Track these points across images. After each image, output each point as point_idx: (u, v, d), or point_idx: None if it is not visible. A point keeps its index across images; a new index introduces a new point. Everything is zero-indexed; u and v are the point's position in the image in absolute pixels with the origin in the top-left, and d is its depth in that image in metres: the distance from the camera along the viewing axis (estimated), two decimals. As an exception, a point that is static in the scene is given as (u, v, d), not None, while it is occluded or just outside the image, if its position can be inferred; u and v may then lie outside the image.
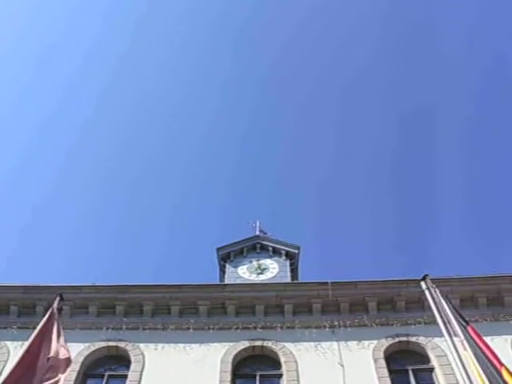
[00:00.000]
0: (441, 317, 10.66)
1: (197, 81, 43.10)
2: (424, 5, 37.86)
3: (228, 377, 14.30)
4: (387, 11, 39.24)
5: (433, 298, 11.08)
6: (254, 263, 20.24)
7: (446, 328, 10.43)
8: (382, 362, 14.43)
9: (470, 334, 10.17)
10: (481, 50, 38.68)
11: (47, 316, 11.61)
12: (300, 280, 20.30)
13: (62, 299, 12.62)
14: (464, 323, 10.56)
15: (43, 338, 10.89)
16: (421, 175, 37.86)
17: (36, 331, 11.01)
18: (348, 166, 40.41)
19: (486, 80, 38.94)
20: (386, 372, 14.17)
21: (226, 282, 19.26)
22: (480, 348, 9.87)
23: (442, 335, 10.70)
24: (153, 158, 41.85)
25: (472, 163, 38.69)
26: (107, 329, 15.52)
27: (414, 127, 38.54)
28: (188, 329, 15.52)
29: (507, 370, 9.29)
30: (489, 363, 9.49)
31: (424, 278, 11.62)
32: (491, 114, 38.34)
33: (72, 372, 14.30)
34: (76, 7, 40.33)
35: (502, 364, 9.51)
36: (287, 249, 20.79)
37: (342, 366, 14.37)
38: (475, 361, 9.43)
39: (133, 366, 14.67)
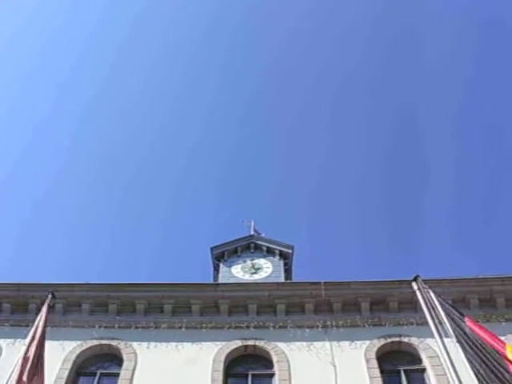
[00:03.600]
0: (432, 317, 10.71)
1: (191, 79, 43.05)
2: (413, 10, 38.05)
3: (220, 376, 14.31)
4: (377, 16, 39.44)
5: (424, 299, 11.13)
6: (248, 263, 20.25)
7: (437, 329, 10.49)
8: (374, 363, 14.45)
9: (467, 325, 10.25)
10: (467, 52, 38.89)
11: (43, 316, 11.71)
12: (294, 280, 20.32)
13: (54, 297, 12.70)
14: (460, 316, 10.62)
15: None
16: (412, 176, 38.01)
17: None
18: (341, 166, 40.45)
19: (472, 82, 39.11)
20: (377, 372, 14.18)
21: (220, 281, 19.26)
22: (480, 336, 9.95)
23: (433, 336, 10.73)
24: (146, 156, 41.85)
25: (461, 164, 38.85)
26: (100, 327, 15.52)
27: (405, 128, 38.66)
28: (180, 327, 15.53)
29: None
30: (491, 350, 9.58)
31: (415, 279, 11.67)
32: (479, 116, 38.49)
33: (64, 370, 14.38)
34: (71, 5, 40.39)
35: (504, 343, 9.64)
36: (281, 248, 20.80)
37: (334, 366, 14.38)
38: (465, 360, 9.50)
39: (125, 365, 14.67)
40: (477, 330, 10.18)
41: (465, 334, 10.15)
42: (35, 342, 10.98)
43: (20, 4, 39.31)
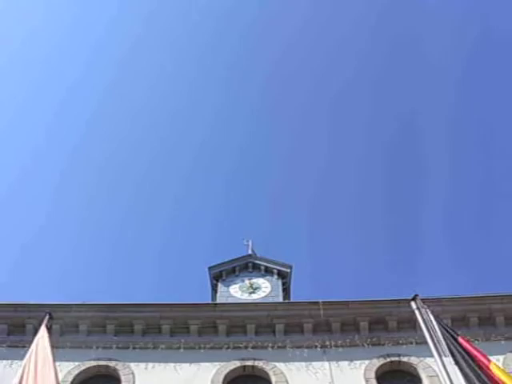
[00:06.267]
0: (431, 337, 10.66)
1: (192, 93, 43.14)
2: (413, 14, 38.34)
3: (218, 397, 14.26)
4: (377, 20, 39.70)
5: (423, 318, 11.08)
6: (246, 282, 20.20)
7: (436, 348, 10.43)
8: (374, 382, 14.42)
9: (461, 345, 10.26)
10: (467, 50, 39.11)
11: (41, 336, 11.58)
12: (292, 299, 20.27)
13: (51, 317, 12.56)
14: (455, 335, 10.63)
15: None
16: (410, 195, 37.89)
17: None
18: (338, 184, 40.56)
19: (475, 86, 39.25)
20: (377, 392, 14.16)
21: (218, 301, 19.22)
22: (473, 355, 9.97)
23: (433, 355, 10.68)
24: (144, 176, 41.83)
25: (460, 181, 38.87)
26: (97, 348, 15.42)
27: (405, 141, 38.62)
28: (179, 348, 15.44)
29: (495, 365, 9.65)
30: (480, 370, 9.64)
31: (414, 298, 11.62)
32: (481, 120, 38.55)
33: (62, 391, 14.26)
34: (80, 11, 40.77)
35: (489, 361, 9.73)
36: (279, 268, 20.78)
37: (334, 386, 14.33)
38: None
39: (123, 386, 14.59)
40: (469, 348, 10.22)
41: (460, 353, 10.15)
42: (41, 364, 10.78)
43: (28, 9, 39.66)
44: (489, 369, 9.63)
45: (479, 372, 9.71)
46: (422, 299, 11.71)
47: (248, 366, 15.13)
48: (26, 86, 40.74)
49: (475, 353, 10.09)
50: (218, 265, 20.95)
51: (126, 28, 41.81)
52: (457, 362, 9.93)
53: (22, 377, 10.43)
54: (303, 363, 15.00)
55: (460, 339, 10.47)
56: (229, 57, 42.03)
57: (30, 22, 39.28)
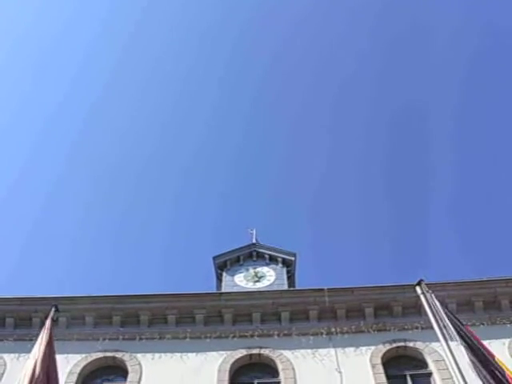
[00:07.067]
0: (437, 321, 10.68)
1: (191, 87, 43.17)
2: (416, 7, 38.13)
3: (225, 385, 14.29)
4: (379, 11, 39.46)
5: (428, 303, 11.10)
6: (251, 271, 20.23)
7: (442, 332, 10.45)
8: (380, 368, 14.41)
9: (468, 333, 10.31)
10: (469, 44, 38.94)
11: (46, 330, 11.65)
12: (297, 287, 20.29)
13: (57, 310, 12.63)
14: (461, 324, 10.66)
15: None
16: (415, 180, 37.86)
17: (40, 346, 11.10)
18: (342, 172, 40.53)
19: (476, 77, 39.07)
20: (383, 378, 14.16)
21: (223, 290, 19.26)
22: (479, 343, 10.04)
23: (439, 340, 10.70)
24: (147, 166, 41.82)
25: (465, 166, 38.82)
26: (104, 339, 15.47)
27: (406, 131, 38.56)
28: (185, 338, 15.49)
29: (499, 360, 9.78)
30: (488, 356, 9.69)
31: (419, 283, 11.64)
32: (482, 112, 38.45)
33: (69, 383, 14.31)
34: (76, 6, 40.70)
35: (493, 356, 9.88)
36: (284, 256, 20.80)
37: (340, 372, 14.34)
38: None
39: (130, 376, 14.62)
40: (476, 336, 10.28)
41: (467, 337, 10.19)
42: (42, 358, 10.87)
43: (22, 7, 39.57)
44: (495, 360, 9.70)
45: (486, 355, 9.75)
46: (426, 284, 11.75)
47: (254, 354, 15.16)
48: (22, 84, 40.87)
49: (481, 342, 10.16)
50: (223, 254, 20.97)
51: (123, 25, 41.88)
52: (464, 345, 9.95)
53: (28, 369, 10.52)
54: (309, 350, 15.03)
55: (467, 328, 10.52)
56: (229, 51, 42.01)
57: (25, 20, 39.33)
